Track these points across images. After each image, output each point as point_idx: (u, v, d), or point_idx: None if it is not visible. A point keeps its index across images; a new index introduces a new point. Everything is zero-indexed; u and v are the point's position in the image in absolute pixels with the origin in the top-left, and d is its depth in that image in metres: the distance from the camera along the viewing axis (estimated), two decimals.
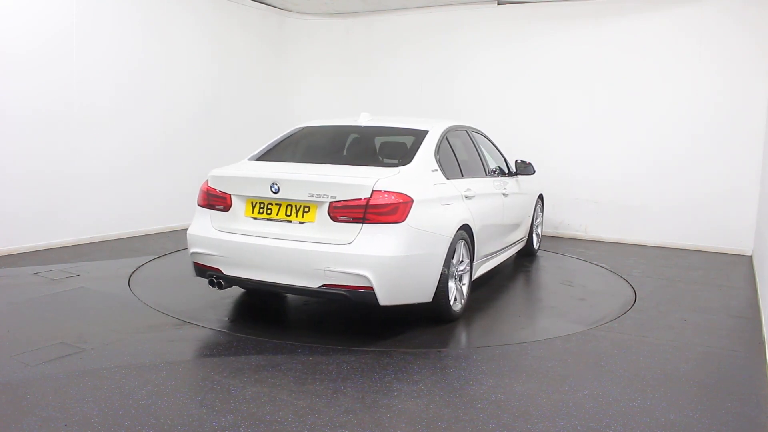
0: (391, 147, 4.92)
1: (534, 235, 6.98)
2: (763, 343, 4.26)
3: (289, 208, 4.05)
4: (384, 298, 3.84)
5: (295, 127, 5.34)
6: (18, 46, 6.16)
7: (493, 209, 5.28)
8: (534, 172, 6.31)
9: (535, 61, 8.53)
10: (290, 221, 4.04)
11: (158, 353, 3.76)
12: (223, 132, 8.63)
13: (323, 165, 4.53)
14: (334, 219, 3.89)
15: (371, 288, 3.78)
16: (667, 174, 7.88)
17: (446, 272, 4.22)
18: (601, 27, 8.13)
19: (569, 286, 5.86)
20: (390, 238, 3.83)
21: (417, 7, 9.13)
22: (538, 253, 7.22)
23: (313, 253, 3.85)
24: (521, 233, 6.39)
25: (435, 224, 4.13)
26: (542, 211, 7.35)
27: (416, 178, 4.25)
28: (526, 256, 6.98)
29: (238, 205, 4.21)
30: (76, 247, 6.70)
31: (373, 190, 3.85)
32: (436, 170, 4.51)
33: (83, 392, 3.14)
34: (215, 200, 4.30)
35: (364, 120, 5.16)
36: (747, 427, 3.01)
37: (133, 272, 5.67)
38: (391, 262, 3.81)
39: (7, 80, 6.10)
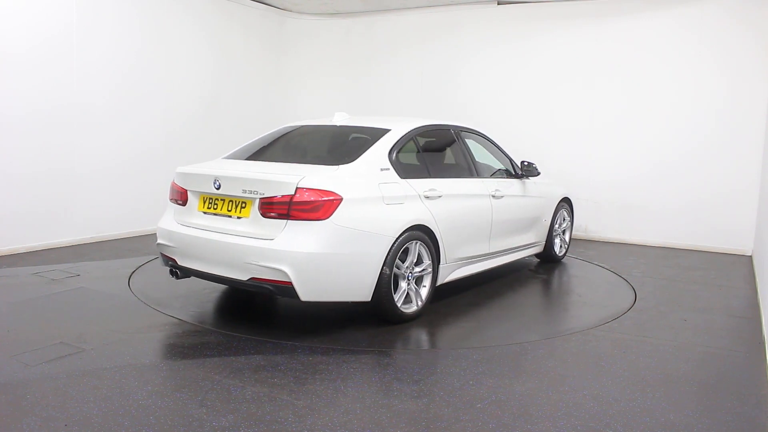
0: (344, 146, 4.89)
1: (557, 240, 6.66)
2: (763, 343, 4.26)
3: (230, 203, 4.22)
4: (304, 294, 3.90)
5: (277, 128, 5.46)
6: (18, 45, 6.16)
7: (471, 211, 5.08)
8: (538, 173, 6.07)
9: (535, 61, 8.53)
10: (230, 216, 4.20)
11: (158, 353, 3.77)
12: (222, 132, 8.63)
13: (266, 163, 4.64)
14: (264, 215, 4.01)
15: (290, 283, 3.85)
16: (667, 174, 7.88)
17: (388, 272, 4.18)
18: (601, 27, 8.13)
19: (568, 293, 5.86)
20: (311, 235, 3.88)
21: (417, 7, 9.13)
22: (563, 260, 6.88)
23: (242, 247, 4.00)
24: (531, 237, 6.13)
25: (372, 223, 4.11)
26: (570, 216, 6.96)
27: (355, 176, 4.26)
28: (548, 262, 6.69)
29: (192, 200, 4.45)
30: (76, 247, 6.70)
31: (297, 188, 3.92)
32: (387, 169, 4.47)
33: (83, 392, 3.14)
34: (177, 195, 4.57)
35: (338, 120, 5.24)
36: (747, 427, 3.01)
37: (133, 272, 5.67)
38: (309, 259, 3.86)
39: (7, 80, 6.10)
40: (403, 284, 4.36)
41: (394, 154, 4.61)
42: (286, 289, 3.89)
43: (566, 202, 6.83)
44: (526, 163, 5.99)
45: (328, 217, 3.91)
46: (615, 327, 4.54)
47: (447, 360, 3.80)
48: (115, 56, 7.12)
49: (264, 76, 9.49)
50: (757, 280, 6.00)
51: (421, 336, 4.30)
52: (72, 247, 6.68)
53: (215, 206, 4.29)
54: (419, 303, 4.50)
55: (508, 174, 5.88)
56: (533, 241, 6.21)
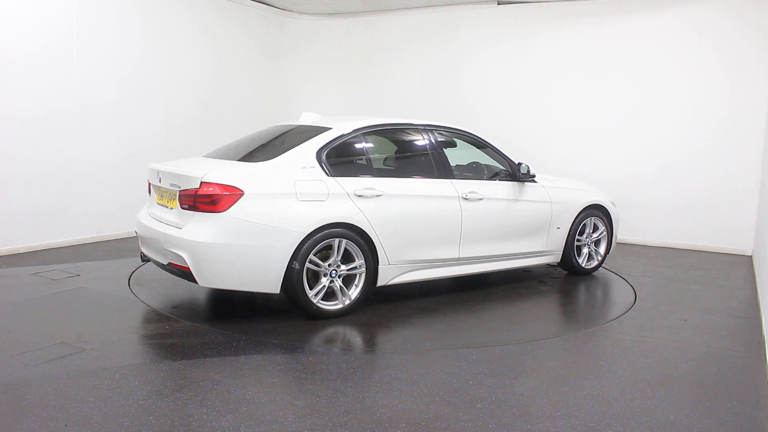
0: (279, 144, 4.89)
1: (584, 250, 6.03)
2: (763, 343, 4.26)
3: (169, 195, 4.55)
4: (202, 280, 4.17)
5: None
6: (19, 47, 6.15)
7: (426, 213, 4.88)
8: (532, 175, 5.67)
9: (534, 61, 8.52)
10: (167, 207, 4.56)
11: (158, 353, 3.77)
12: (222, 132, 8.60)
13: (206, 159, 4.90)
14: (181, 206, 4.33)
15: (188, 269, 4.15)
16: (667, 174, 7.87)
17: (298, 267, 4.23)
18: (601, 27, 8.13)
19: (566, 293, 5.85)
20: (208, 226, 4.14)
21: (417, 7, 9.13)
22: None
23: (162, 234, 4.38)
24: (537, 245, 5.65)
25: (278, 218, 4.22)
26: (607, 224, 6.15)
27: (269, 173, 4.40)
28: (574, 274, 6.08)
29: (153, 193, 4.88)
30: (76, 247, 6.70)
31: (201, 182, 4.18)
32: (313, 167, 4.49)
33: (83, 392, 3.14)
34: (148, 189, 5.03)
35: (303, 120, 5.39)
36: (747, 427, 3.01)
37: (133, 272, 5.67)
38: (203, 248, 4.11)
39: (8, 81, 6.10)
40: (323, 280, 4.41)
41: (325, 153, 4.61)
42: (187, 273, 4.20)
43: (598, 209, 6.11)
44: (524, 166, 5.62)
45: (225, 210, 4.13)
46: (615, 327, 4.54)
47: (447, 360, 3.80)
48: (116, 57, 7.11)
49: (263, 76, 9.48)
50: (757, 280, 6.00)
51: (419, 336, 4.30)
52: (72, 247, 6.68)
53: (163, 198, 4.66)
54: (346, 301, 4.51)
55: (509, 177, 5.58)
56: (540, 249, 5.70)
